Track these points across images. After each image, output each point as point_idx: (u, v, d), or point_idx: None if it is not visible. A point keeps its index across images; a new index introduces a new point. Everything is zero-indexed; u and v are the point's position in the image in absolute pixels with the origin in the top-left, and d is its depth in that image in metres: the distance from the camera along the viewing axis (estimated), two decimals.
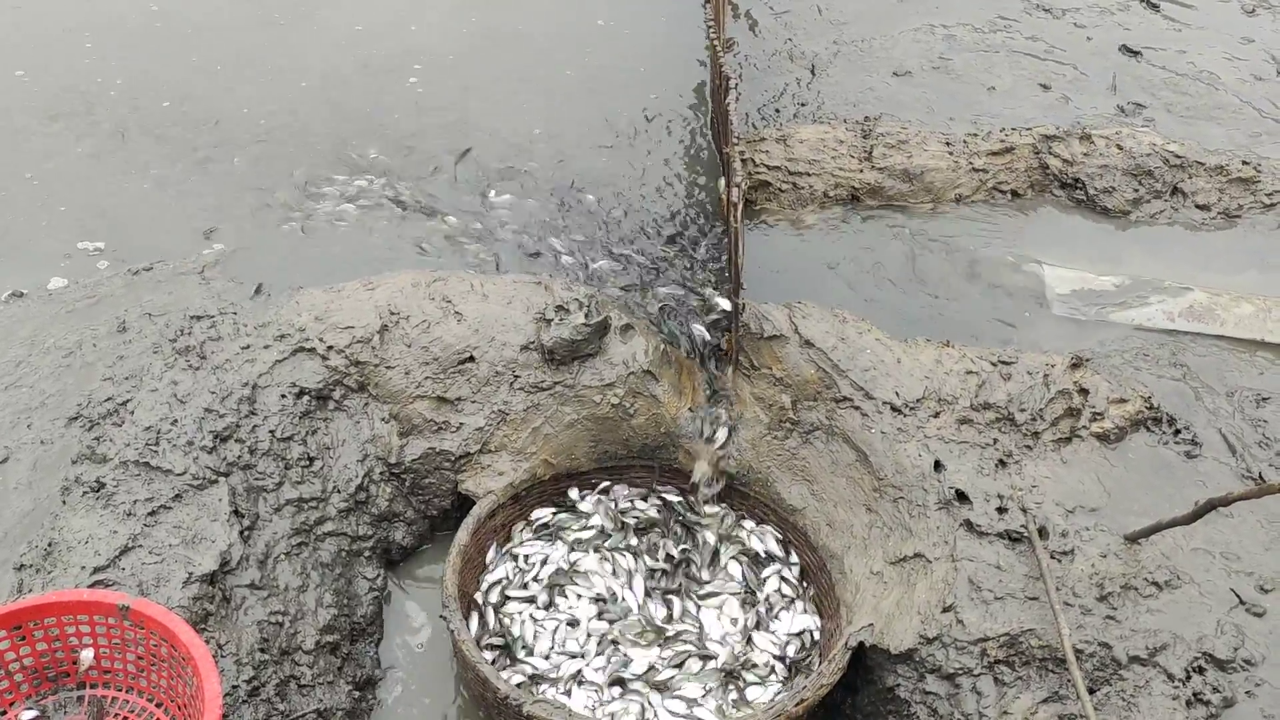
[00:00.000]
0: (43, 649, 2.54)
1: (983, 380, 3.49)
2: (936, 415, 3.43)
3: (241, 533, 3.02)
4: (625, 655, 3.20)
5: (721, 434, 3.50)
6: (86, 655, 2.55)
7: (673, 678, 3.14)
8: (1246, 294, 4.20)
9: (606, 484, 3.62)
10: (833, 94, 5.16)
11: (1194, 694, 2.76)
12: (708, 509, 3.54)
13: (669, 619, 3.31)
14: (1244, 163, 4.73)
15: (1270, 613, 2.94)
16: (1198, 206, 4.61)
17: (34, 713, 2.53)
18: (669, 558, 3.44)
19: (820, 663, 3.14)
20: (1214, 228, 4.58)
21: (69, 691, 2.60)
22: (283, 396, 3.35)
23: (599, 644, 3.23)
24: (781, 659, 3.23)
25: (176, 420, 3.18)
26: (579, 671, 3.15)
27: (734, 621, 3.31)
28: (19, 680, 2.54)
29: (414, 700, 3.20)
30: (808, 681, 2.95)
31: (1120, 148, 4.71)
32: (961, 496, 3.21)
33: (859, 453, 3.42)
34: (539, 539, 3.49)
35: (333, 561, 3.22)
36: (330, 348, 3.49)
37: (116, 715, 2.56)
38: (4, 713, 2.52)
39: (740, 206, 3.44)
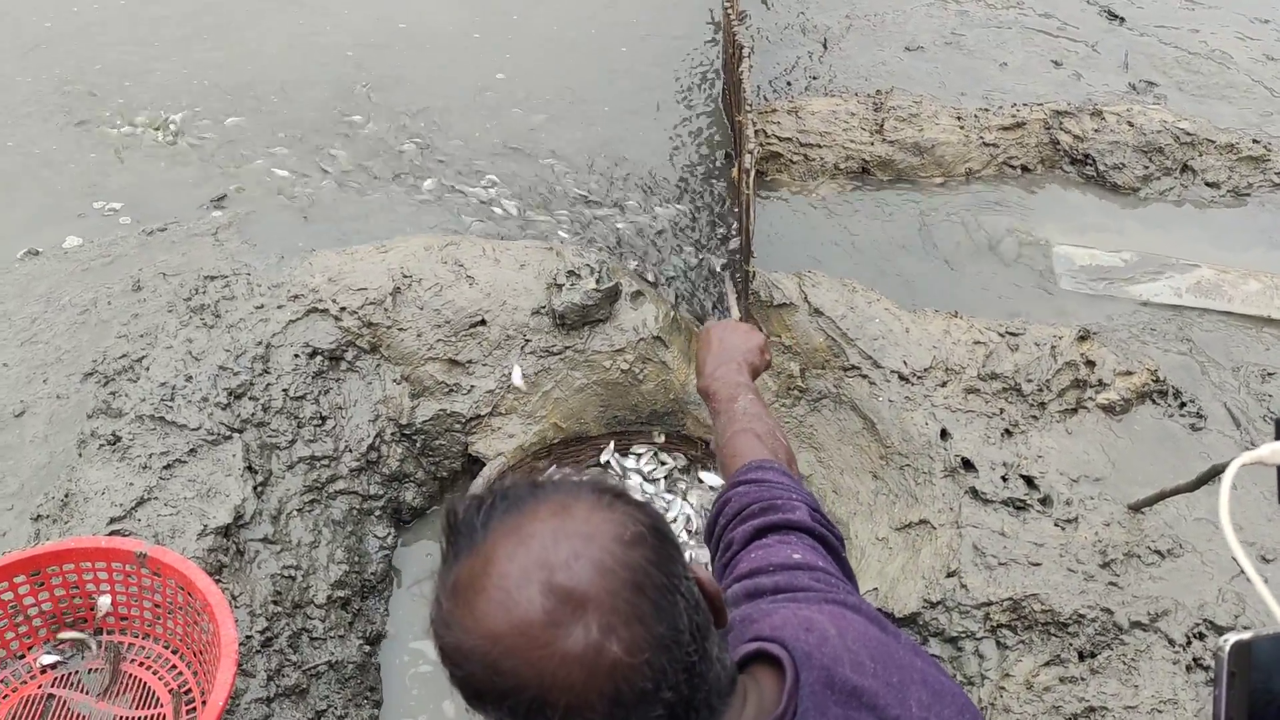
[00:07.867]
0: (61, 595, 2.57)
1: (990, 351, 3.52)
2: (944, 384, 3.45)
3: (255, 488, 3.05)
4: None
5: None
6: (104, 601, 2.59)
7: None
8: (1254, 271, 4.21)
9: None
10: (845, 67, 5.15)
11: (1194, 659, 2.80)
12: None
13: None
14: (1254, 141, 4.73)
15: (1271, 581, 2.92)
16: (1207, 184, 4.62)
17: (52, 657, 2.57)
18: None
19: None
20: (1223, 205, 4.59)
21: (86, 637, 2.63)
22: (296, 356, 3.38)
23: None
24: None
25: (191, 377, 3.21)
26: None
27: None
28: (38, 625, 2.58)
29: (422, 657, 3.24)
30: None
31: (1131, 124, 4.71)
32: (967, 464, 3.24)
33: (866, 421, 3.44)
34: None
35: (344, 519, 3.26)
36: (343, 309, 3.51)
37: (133, 660, 2.60)
38: (23, 656, 2.57)
39: (752, 174, 3.45)
